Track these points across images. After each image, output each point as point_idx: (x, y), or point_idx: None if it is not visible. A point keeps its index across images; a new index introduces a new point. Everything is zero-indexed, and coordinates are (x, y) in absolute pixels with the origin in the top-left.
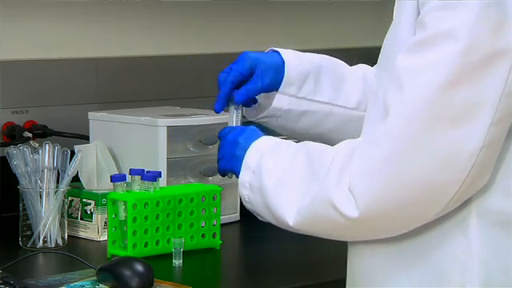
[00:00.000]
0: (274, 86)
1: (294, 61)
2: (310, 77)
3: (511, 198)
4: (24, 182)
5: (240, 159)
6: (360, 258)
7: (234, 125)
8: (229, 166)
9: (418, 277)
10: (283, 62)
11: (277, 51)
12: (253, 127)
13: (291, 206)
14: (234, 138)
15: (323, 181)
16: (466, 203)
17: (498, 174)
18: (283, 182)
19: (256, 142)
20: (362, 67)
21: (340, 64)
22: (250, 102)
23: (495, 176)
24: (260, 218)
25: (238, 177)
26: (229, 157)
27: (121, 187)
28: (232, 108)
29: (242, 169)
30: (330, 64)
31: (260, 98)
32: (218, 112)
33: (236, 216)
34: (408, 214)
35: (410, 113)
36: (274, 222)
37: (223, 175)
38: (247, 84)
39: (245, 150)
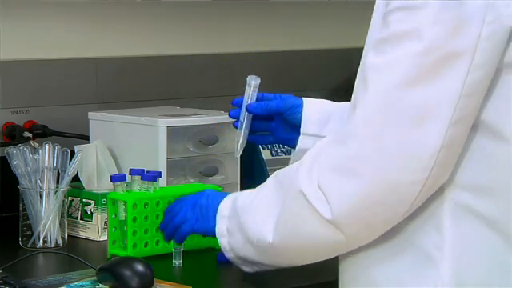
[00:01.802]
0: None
1: (314, 102)
2: (333, 115)
3: (481, 192)
4: (24, 182)
5: (210, 216)
6: (347, 260)
7: (249, 99)
8: (197, 226)
9: (395, 275)
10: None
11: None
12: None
13: (267, 223)
14: (194, 202)
15: (293, 181)
16: (438, 198)
17: (467, 169)
18: (255, 206)
19: (224, 200)
20: None
21: None
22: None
23: (465, 171)
24: (245, 269)
25: (209, 235)
26: (195, 219)
27: (121, 187)
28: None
29: (217, 220)
30: None
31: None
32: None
33: None
34: (376, 215)
35: (371, 111)
36: (254, 253)
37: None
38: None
39: (213, 208)
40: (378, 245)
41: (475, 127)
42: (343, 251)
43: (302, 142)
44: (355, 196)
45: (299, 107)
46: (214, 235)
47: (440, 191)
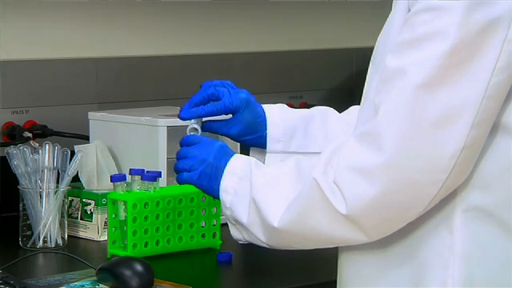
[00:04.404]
0: (244, 136)
1: (277, 118)
2: (298, 131)
3: (495, 193)
4: (24, 182)
5: (215, 176)
6: (350, 261)
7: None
8: (199, 182)
9: (407, 275)
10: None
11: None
12: (222, 143)
13: (279, 206)
14: (206, 156)
15: (311, 172)
16: (450, 199)
17: (480, 169)
18: (274, 180)
19: (234, 157)
20: (353, 111)
21: (329, 113)
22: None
23: (478, 172)
24: (234, 233)
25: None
26: (199, 173)
27: (121, 187)
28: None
29: (225, 174)
30: (319, 115)
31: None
32: (181, 117)
33: None
34: (391, 213)
35: (395, 113)
36: (257, 226)
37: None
38: (216, 123)
39: (221, 170)
40: (389, 243)
41: (494, 128)
42: (354, 243)
43: (269, 160)
44: (372, 195)
45: (262, 131)
46: (214, 196)
47: (453, 191)
